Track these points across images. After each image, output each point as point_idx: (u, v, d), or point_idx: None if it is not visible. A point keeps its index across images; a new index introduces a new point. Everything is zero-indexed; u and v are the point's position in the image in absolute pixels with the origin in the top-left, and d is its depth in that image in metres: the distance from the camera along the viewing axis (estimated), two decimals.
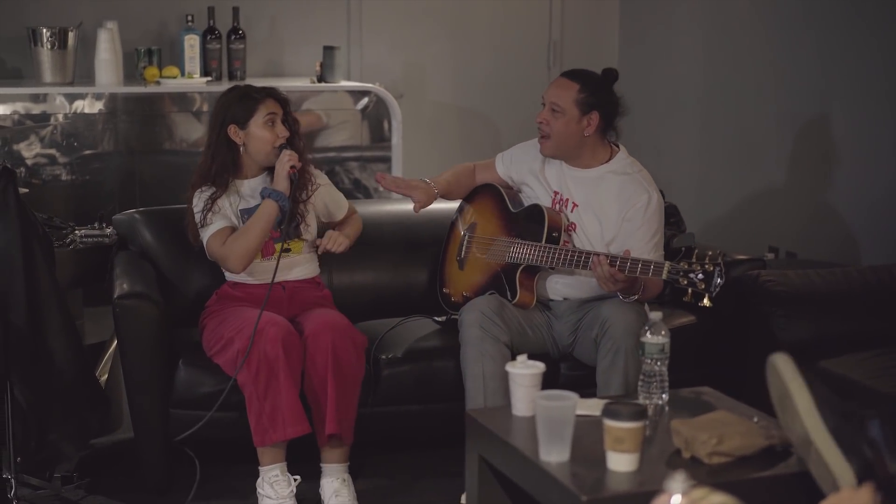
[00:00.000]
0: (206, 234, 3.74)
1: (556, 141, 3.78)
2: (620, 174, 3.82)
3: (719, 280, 3.35)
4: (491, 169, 4.05)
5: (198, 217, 3.74)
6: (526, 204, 3.91)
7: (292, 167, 3.67)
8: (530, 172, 3.92)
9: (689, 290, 3.39)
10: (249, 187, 3.78)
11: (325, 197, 3.90)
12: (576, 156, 3.83)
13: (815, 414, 2.41)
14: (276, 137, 3.72)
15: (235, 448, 3.82)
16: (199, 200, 3.76)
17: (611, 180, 3.81)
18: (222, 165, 3.76)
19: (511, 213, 3.92)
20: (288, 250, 3.79)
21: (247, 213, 3.74)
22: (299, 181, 3.74)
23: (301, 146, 3.80)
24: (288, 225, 3.71)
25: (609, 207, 3.78)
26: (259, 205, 3.70)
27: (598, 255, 3.56)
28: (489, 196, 4.02)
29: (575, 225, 3.80)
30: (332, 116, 5.63)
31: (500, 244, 3.86)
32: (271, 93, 3.79)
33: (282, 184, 3.67)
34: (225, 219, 3.74)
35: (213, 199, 3.74)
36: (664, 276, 3.45)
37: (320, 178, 3.91)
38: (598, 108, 3.76)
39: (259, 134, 3.73)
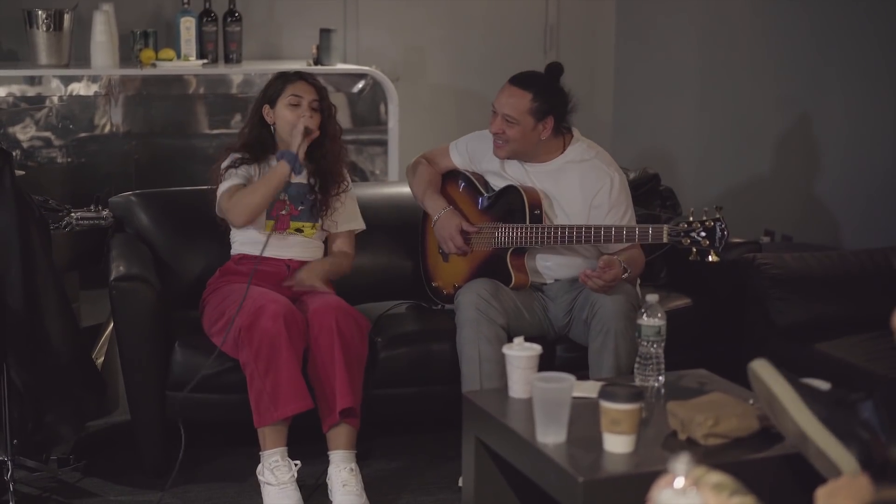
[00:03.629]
0: (221, 189, 3.75)
1: (513, 147, 3.75)
2: (579, 162, 3.80)
3: (723, 233, 3.36)
4: (445, 157, 4.00)
5: (222, 174, 3.77)
6: (497, 187, 3.89)
7: (306, 126, 3.68)
8: (491, 172, 3.89)
9: (694, 249, 3.39)
10: None
11: (346, 201, 3.89)
12: (534, 155, 3.81)
13: (804, 409, 2.41)
14: (297, 118, 3.72)
15: (232, 431, 3.83)
16: (227, 160, 3.80)
17: (571, 170, 3.79)
18: (255, 139, 3.80)
19: (486, 197, 3.90)
20: (300, 230, 3.80)
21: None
22: (332, 176, 3.79)
23: (332, 134, 3.81)
24: (309, 208, 3.75)
25: (574, 197, 3.77)
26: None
27: (586, 273, 3.55)
28: (461, 183, 3.98)
29: (546, 217, 3.79)
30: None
31: (483, 231, 3.85)
32: (304, 76, 3.82)
33: (295, 143, 3.68)
34: (243, 178, 3.75)
35: (241, 161, 3.77)
36: (665, 240, 3.46)
37: (349, 182, 3.92)
38: (552, 111, 3.73)
39: (282, 113, 3.77)
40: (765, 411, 2.57)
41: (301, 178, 3.78)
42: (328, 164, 3.81)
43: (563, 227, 3.66)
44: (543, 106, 3.71)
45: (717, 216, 3.38)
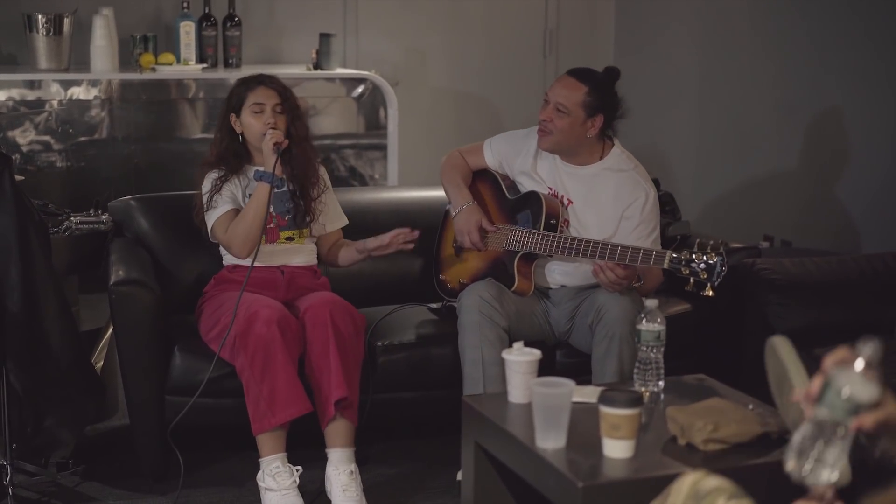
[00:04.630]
0: (211, 218, 3.76)
1: (558, 138, 3.76)
2: (616, 171, 3.81)
3: (722, 269, 3.36)
4: (478, 155, 4.02)
5: (205, 199, 3.78)
6: (522, 191, 3.91)
7: (275, 143, 3.66)
8: (522, 172, 3.90)
9: (692, 280, 3.39)
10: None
11: (327, 201, 3.89)
12: (574, 153, 3.82)
13: None
14: (262, 126, 3.72)
15: (231, 435, 3.82)
16: (207, 183, 3.80)
17: (607, 178, 3.80)
18: (227, 151, 3.80)
19: (508, 199, 3.91)
20: (291, 239, 3.80)
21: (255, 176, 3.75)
22: (308, 178, 3.78)
23: (300, 136, 3.79)
24: (294, 218, 3.75)
25: (605, 205, 3.78)
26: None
27: (600, 264, 3.55)
28: (485, 183, 4.01)
29: (567, 221, 3.79)
30: (327, 104, 5.62)
31: (499, 231, 3.86)
32: (263, 81, 3.79)
33: (269, 162, 3.67)
34: (230, 201, 3.76)
35: (221, 181, 3.77)
36: (665, 266, 3.45)
37: (325, 178, 3.93)
38: (604, 110, 3.75)
39: (248, 122, 3.77)
40: (772, 389, 2.54)
41: (282, 187, 3.78)
42: (300, 165, 3.79)
43: (571, 239, 3.66)
44: (596, 102, 3.73)
45: (721, 251, 3.38)
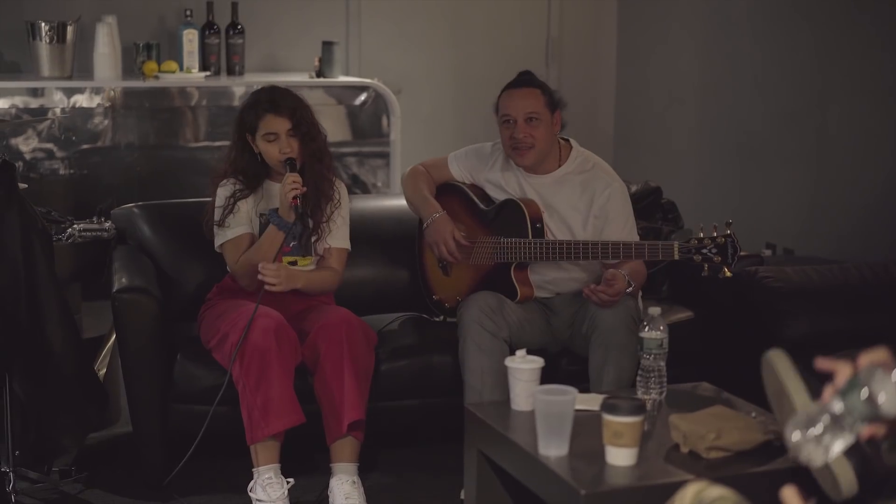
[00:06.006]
0: (222, 237, 3.72)
1: (540, 147, 3.75)
2: (579, 173, 3.81)
3: (734, 248, 3.37)
4: (443, 168, 3.98)
5: (217, 214, 3.72)
6: (497, 199, 3.87)
7: (295, 198, 3.56)
8: (491, 184, 3.89)
9: (706, 266, 3.40)
10: (276, 190, 3.71)
11: (337, 219, 3.78)
12: (546, 159, 3.81)
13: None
14: (279, 154, 3.66)
15: (232, 441, 3.82)
16: (221, 195, 3.73)
17: (571, 181, 3.80)
18: (244, 165, 3.73)
19: (484, 211, 3.87)
20: (293, 263, 3.76)
21: (264, 216, 3.67)
22: (322, 195, 3.71)
23: (315, 157, 3.71)
24: (299, 241, 3.67)
25: (574, 209, 3.77)
26: (276, 208, 3.64)
27: (591, 288, 3.56)
28: (455, 197, 3.95)
29: (546, 229, 3.78)
30: (330, 111, 5.63)
31: (483, 246, 3.82)
32: (270, 108, 3.66)
33: (285, 212, 3.59)
34: (243, 224, 3.71)
35: (234, 199, 3.72)
36: (676, 257, 3.46)
37: (342, 195, 3.82)
38: (557, 104, 3.80)
39: (264, 147, 3.69)
40: (770, 404, 2.54)
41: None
42: (315, 184, 3.71)
43: (570, 243, 3.65)
44: (551, 99, 3.78)
45: (728, 232, 3.38)
